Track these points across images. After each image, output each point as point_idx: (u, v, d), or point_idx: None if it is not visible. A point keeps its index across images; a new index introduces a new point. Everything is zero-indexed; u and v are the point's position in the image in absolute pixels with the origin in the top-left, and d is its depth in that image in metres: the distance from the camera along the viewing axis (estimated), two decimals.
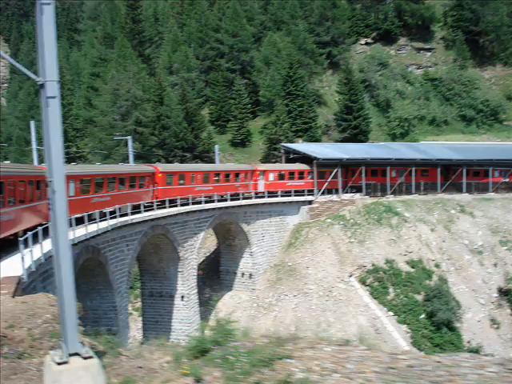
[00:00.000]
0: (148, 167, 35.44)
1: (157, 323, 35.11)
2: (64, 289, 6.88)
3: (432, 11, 77.50)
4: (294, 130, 59.36)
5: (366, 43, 77.46)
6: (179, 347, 9.13)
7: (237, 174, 42.62)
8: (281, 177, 45.70)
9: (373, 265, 40.18)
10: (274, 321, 37.26)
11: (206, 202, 37.14)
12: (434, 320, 37.37)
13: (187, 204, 35.34)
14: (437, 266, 41.79)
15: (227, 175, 41.66)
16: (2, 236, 16.55)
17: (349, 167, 48.04)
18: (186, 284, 34.69)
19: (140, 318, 37.25)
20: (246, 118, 64.45)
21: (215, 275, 43.39)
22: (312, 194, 45.95)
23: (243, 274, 41.81)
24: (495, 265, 43.63)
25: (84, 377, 6.60)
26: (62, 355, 6.80)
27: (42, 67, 6.70)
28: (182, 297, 34.64)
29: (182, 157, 55.88)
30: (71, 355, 6.79)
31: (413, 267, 40.84)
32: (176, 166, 40.90)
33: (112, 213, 26.14)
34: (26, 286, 13.69)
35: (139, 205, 29.85)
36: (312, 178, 46.27)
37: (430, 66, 76.74)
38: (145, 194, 32.72)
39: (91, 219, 23.11)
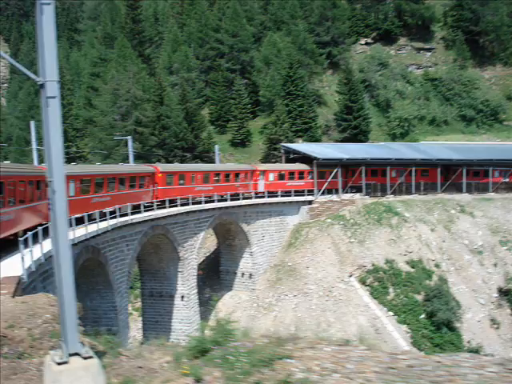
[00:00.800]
0: (148, 167, 35.44)
1: (157, 323, 35.11)
2: (64, 289, 6.88)
3: (432, 11, 77.51)
4: (294, 130, 59.36)
5: (366, 43, 77.47)
6: (179, 347, 9.13)
7: (237, 174, 42.62)
8: (281, 177, 45.69)
9: (373, 265, 40.18)
10: (274, 321, 37.26)
11: (206, 201, 37.14)
12: (434, 320, 37.37)
13: (187, 204, 35.33)
14: (437, 266, 41.79)
15: (227, 175, 41.66)
16: (2, 236, 16.55)
17: (349, 167, 48.04)
18: (186, 284, 34.69)
19: (140, 318, 37.25)
20: (246, 117, 64.46)
21: (215, 275, 43.39)
22: (312, 194, 45.94)
23: (243, 274, 41.81)
24: (495, 265, 43.63)
25: (84, 377, 6.60)
26: (62, 355, 6.80)
27: (42, 67, 6.70)
28: (182, 297, 34.65)
29: (181, 157, 55.88)
30: (71, 355, 6.79)
31: (413, 267, 40.84)
32: (176, 166, 40.89)
33: (112, 213, 26.15)
34: (25, 286, 13.69)
35: (139, 205, 29.85)
36: (312, 178, 46.26)
37: (430, 66, 76.75)
38: (145, 194, 32.72)
39: (91, 219, 23.11)
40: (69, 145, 57.19)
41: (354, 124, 61.97)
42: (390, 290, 39.19)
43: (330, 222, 42.69)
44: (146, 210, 30.03)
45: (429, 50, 77.94)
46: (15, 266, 14.12)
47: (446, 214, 46.69)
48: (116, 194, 28.89)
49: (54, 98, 6.70)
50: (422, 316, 37.98)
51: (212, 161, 53.93)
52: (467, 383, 6.24)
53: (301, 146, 51.00)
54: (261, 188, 44.48)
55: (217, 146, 53.15)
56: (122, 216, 26.77)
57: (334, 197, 46.16)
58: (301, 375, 6.93)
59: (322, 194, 46.03)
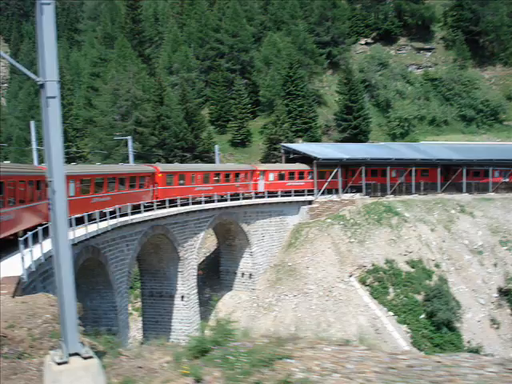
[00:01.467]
0: (148, 167, 35.44)
1: (157, 323, 35.11)
2: (64, 289, 6.87)
3: (432, 11, 77.52)
4: (294, 129, 59.36)
5: (366, 43, 77.47)
6: (179, 347, 9.12)
7: (237, 174, 42.62)
8: (281, 177, 45.69)
9: (373, 265, 40.18)
10: (274, 321, 37.25)
11: (206, 201, 37.14)
12: (434, 320, 37.37)
13: (187, 204, 35.33)
14: (437, 266, 41.79)
15: (227, 175, 41.66)
16: (2, 236, 16.55)
17: (349, 167, 48.04)
18: (186, 284, 34.69)
19: (140, 318, 37.25)
20: (246, 118, 64.46)
21: (215, 275, 43.39)
22: (312, 194, 45.94)
23: (243, 274, 41.81)
24: (495, 265, 43.62)
25: (84, 377, 6.60)
26: (62, 355, 6.79)
27: (42, 67, 6.70)
28: (182, 297, 34.65)
29: (181, 157, 55.88)
30: (71, 355, 6.78)
31: (413, 267, 40.83)
32: (176, 166, 40.89)
33: (112, 213, 26.14)
34: (26, 286, 13.69)
35: (139, 205, 29.85)
36: (312, 178, 46.26)
37: (430, 66, 76.75)
38: (145, 194, 32.72)
39: (91, 219, 23.11)
40: (69, 145, 57.18)
41: (354, 124, 61.96)
42: (390, 290, 39.18)
43: (330, 222, 42.69)
44: (145, 210, 30.03)
45: (429, 49, 77.93)
46: (15, 265, 14.12)
47: (446, 213, 46.69)
48: (116, 194, 28.88)
49: (54, 98, 6.70)
50: (422, 316, 37.98)
51: (212, 161, 53.92)
52: (467, 383, 6.24)
53: (301, 146, 50.99)
54: (261, 188, 44.48)
55: (217, 146, 53.14)
56: (121, 216, 26.77)
57: (334, 197, 46.15)
58: (301, 375, 6.92)
59: (322, 193, 46.02)
